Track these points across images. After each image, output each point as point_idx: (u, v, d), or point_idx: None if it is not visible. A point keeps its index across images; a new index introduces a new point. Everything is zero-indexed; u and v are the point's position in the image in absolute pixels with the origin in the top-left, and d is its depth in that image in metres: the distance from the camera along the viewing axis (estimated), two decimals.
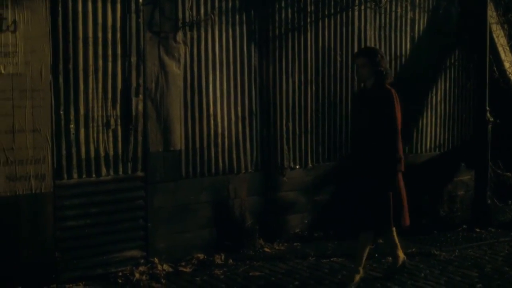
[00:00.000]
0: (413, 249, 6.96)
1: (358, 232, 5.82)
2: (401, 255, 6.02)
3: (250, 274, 6.12)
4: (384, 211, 5.60)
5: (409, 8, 7.89)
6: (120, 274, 5.98)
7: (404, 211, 5.74)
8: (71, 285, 5.69)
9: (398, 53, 7.87)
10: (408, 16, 7.90)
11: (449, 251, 6.97)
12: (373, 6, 7.56)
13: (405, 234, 7.45)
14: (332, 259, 6.61)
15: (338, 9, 7.33)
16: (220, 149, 6.60)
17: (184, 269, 6.21)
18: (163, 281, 5.90)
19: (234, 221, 6.75)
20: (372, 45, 7.60)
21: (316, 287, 5.83)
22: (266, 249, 6.84)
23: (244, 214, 6.81)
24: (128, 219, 6.10)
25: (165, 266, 6.18)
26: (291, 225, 7.20)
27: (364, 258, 5.84)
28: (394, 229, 5.86)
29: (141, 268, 6.08)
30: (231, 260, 6.48)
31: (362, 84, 5.94)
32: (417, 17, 8.00)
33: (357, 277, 5.78)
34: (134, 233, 6.14)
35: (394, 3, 7.76)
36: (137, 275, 5.94)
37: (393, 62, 7.83)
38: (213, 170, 6.57)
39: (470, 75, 8.45)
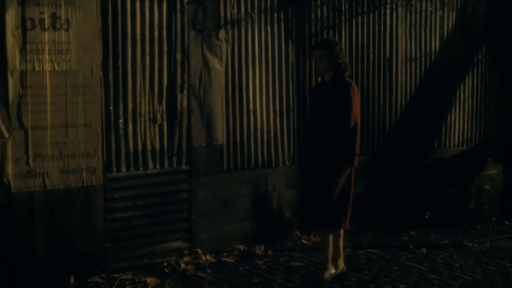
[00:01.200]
0: (446, 241, 7.08)
1: (323, 229, 5.61)
2: (341, 263, 5.75)
3: (291, 264, 6.23)
4: (343, 208, 5.47)
5: (438, 6, 7.98)
6: (166, 264, 6.09)
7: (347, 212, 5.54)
8: (120, 274, 5.80)
9: (428, 50, 7.96)
10: (438, 14, 7.99)
11: (480, 242, 7.07)
12: (404, 4, 7.66)
13: (436, 226, 7.61)
14: (368, 250, 6.71)
15: (371, 7, 7.43)
16: (259, 144, 6.71)
17: (227, 259, 6.32)
18: (208, 270, 6.01)
19: (272, 214, 6.86)
20: (403, 42, 7.71)
21: (356, 276, 5.93)
22: (303, 241, 6.94)
23: (282, 206, 6.92)
24: (173, 211, 6.22)
25: (208, 257, 6.29)
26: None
27: (342, 251, 5.71)
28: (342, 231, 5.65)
29: (186, 259, 6.20)
30: (270, 251, 6.59)
31: (319, 78, 5.68)
32: (446, 15, 8.08)
33: (327, 274, 5.62)
34: (179, 224, 6.26)
35: (424, 1, 7.85)
36: (182, 265, 6.07)
37: (423, 59, 7.92)
38: (252, 164, 6.69)
39: (497, 71, 8.52)
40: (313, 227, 5.75)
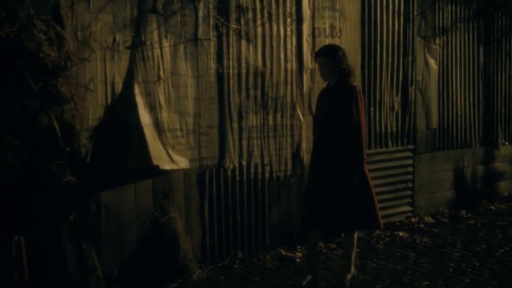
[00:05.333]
0: None
1: (343, 232, 5.19)
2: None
3: (498, 223, 7.08)
4: (369, 210, 4.93)
5: None
6: (398, 223, 6.99)
7: (375, 213, 5.00)
8: (367, 231, 6.71)
9: None
10: None
11: None
12: None
13: None
14: None
15: None
16: (459, 128, 7.59)
17: (444, 220, 7.21)
18: (437, 227, 6.91)
19: (467, 185, 7.75)
20: None
21: None
22: (491, 207, 7.80)
23: (474, 179, 7.81)
24: (402, 181, 7.10)
25: (428, 218, 7.19)
26: (501, 189, 8.18)
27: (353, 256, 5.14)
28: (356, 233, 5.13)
29: (413, 219, 7.09)
30: (470, 215, 7.48)
31: (326, 84, 5.08)
32: None
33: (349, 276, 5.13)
34: (405, 192, 7.15)
35: None
36: (415, 224, 6.97)
37: None
38: (454, 145, 7.58)
39: None
40: (332, 231, 5.18)
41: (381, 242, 6.38)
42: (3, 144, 4.59)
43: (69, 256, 4.49)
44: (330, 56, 4.87)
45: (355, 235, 5.11)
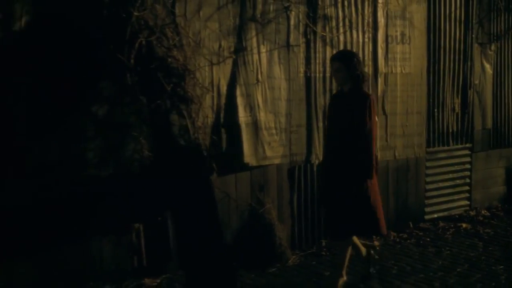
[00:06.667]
0: None
1: (343, 238, 4.97)
2: (362, 248, 5.22)
3: None
4: (366, 217, 4.83)
5: None
6: (457, 216, 7.37)
7: (380, 219, 4.88)
8: (438, 222, 7.09)
9: None
10: None
11: None
12: None
13: None
14: None
15: None
16: (510, 128, 7.98)
17: (499, 213, 7.57)
18: (495, 219, 7.29)
19: None
20: None
21: None
22: None
23: None
24: (460, 177, 7.48)
25: (484, 211, 7.57)
26: None
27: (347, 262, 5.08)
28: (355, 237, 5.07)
29: (471, 213, 7.47)
30: None
31: (339, 88, 5.11)
32: None
33: (341, 281, 5.04)
34: (463, 187, 7.51)
35: None
36: (474, 217, 7.35)
37: None
38: (506, 143, 7.96)
39: None
40: (338, 236, 5.03)
41: (447, 233, 6.74)
42: (128, 140, 4.98)
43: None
44: (345, 62, 4.80)
45: (349, 246, 5.02)
